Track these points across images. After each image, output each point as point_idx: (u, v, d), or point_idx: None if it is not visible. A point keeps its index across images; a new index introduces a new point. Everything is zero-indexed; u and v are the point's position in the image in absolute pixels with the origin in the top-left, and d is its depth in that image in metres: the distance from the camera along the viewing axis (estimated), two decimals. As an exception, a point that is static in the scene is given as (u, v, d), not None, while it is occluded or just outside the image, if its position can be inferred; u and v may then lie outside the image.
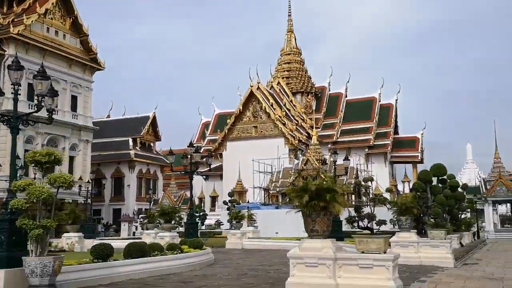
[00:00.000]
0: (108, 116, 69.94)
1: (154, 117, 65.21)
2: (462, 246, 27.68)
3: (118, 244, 17.17)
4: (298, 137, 59.75)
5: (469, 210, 45.86)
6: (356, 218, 19.82)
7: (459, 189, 32.43)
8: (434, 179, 27.61)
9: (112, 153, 59.77)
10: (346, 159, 28.39)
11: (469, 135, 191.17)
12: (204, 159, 25.95)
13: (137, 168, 61.57)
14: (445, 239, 18.69)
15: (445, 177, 28.62)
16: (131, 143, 61.17)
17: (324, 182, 10.42)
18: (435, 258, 18.03)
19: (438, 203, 24.18)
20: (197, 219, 42.83)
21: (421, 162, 64.25)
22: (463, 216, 39.82)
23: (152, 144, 66.30)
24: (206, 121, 71.29)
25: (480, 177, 52.55)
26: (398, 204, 19.00)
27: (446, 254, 18.21)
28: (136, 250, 13.76)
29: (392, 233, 19.45)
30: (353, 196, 53.83)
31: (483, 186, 51.52)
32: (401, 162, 67.08)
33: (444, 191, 26.95)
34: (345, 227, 34.46)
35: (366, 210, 26.34)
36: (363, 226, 19.64)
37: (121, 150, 60.53)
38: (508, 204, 54.11)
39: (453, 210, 28.89)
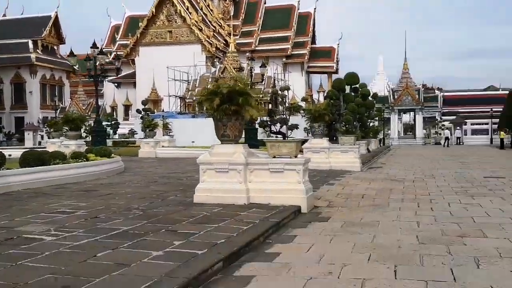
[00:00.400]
0: (4, 15, 62.52)
1: (57, 17, 59.02)
2: (369, 152, 29.19)
3: (19, 153, 15.80)
4: (216, 44, 57.87)
5: (377, 118, 48.36)
6: (269, 123, 19.69)
7: (370, 98, 33.65)
8: (347, 88, 28.17)
9: (9, 56, 54.14)
10: (263, 66, 27.84)
11: (381, 47, 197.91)
12: (115, 65, 23.90)
13: (40, 74, 56.65)
14: (354, 145, 19.31)
15: (357, 86, 29.31)
16: (31, 45, 55.42)
17: (238, 85, 9.76)
18: (345, 162, 18.67)
19: (350, 111, 24.84)
20: (108, 127, 41.27)
21: (336, 72, 65.64)
22: (371, 124, 41.91)
23: (55, 48, 60.71)
24: (116, 24, 66.19)
25: (389, 87, 54.97)
26: (311, 111, 19.06)
27: (354, 159, 18.90)
28: (34, 159, 12.58)
29: (306, 141, 19.76)
30: (270, 105, 54.46)
31: (391, 96, 54.20)
32: (317, 72, 68.17)
33: (356, 100, 27.69)
34: (262, 136, 34.95)
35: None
36: (275, 130, 19.61)
37: (20, 53, 55.01)
38: (412, 113, 57.74)
39: (363, 118, 30.06)
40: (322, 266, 5.51)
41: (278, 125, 19.05)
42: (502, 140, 40.81)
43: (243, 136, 24.08)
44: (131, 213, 8.14)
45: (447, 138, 49.79)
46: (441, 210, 9.04)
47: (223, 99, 9.30)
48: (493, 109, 49.74)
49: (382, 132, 46.87)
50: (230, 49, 55.50)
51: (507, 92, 53.13)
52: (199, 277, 4.90)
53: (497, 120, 46.68)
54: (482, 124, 52.67)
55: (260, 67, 30.49)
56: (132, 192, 10.94)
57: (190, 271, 4.89)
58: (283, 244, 6.65)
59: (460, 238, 6.68)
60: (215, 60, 56.19)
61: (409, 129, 65.79)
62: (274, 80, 54.89)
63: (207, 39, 55.53)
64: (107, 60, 36.57)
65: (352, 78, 27.51)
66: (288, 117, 31.69)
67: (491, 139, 49.55)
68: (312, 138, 19.49)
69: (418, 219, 8.14)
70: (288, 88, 41.63)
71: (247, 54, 63.12)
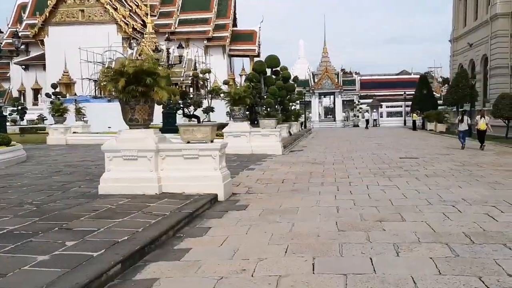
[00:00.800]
0: None
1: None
2: (290, 135, 29.28)
3: None
4: (132, 24, 55.23)
5: (298, 101, 48.91)
6: (181, 105, 18.81)
7: (291, 81, 33.70)
8: (268, 71, 27.89)
9: None
10: (180, 47, 26.62)
11: (303, 32, 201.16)
12: (15, 45, 21.54)
13: None
14: (275, 128, 19.04)
15: (278, 69, 29.12)
16: None
17: (145, 64, 8.89)
18: (266, 146, 18.35)
19: (271, 94, 24.57)
20: (14, 113, 38.08)
21: (258, 56, 65.42)
22: (293, 107, 42.25)
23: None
24: (23, 2, 61.17)
25: (309, 70, 55.82)
26: (231, 94, 18.48)
27: (275, 142, 18.65)
28: None
29: (227, 125, 19.21)
30: (191, 88, 53.21)
31: (312, 79, 55.07)
32: (239, 55, 67.61)
33: (277, 83, 27.50)
34: (182, 121, 33.92)
35: (205, 103, 25.75)
36: (188, 113, 18.78)
37: None
38: (332, 96, 59.12)
39: (285, 101, 30.01)
40: (235, 262, 4.98)
41: (192, 108, 18.22)
42: (414, 121, 42.90)
43: (161, 120, 23.15)
44: (22, 209, 7.11)
45: (367, 121, 51.75)
46: (360, 193, 8.88)
47: (129, 80, 8.45)
48: (406, 93, 52.19)
49: (304, 115, 47.51)
50: (148, 30, 53.39)
51: (418, 76, 56.02)
52: (89, 285, 4.16)
53: (410, 103, 49.04)
54: (396, 106, 55.22)
55: (178, 47, 29.28)
56: (29, 184, 9.76)
57: (77, 280, 4.13)
58: (195, 238, 6.05)
59: (379, 223, 6.45)
60: (132, 42, 53.79)
61: (329, 112, 67.52)
62: (195, 63, 53.66)
63: (122, 19, 52.82)
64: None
65: (273, 60, 27.26)
66: (210, 100, 31.00)
67: (405, 121, 52.04)
68: (233, 122, 18.96)
69: (338, 204, 7.88)
70: (209, 71, 40.61)
71: (166, 35, 61.35)
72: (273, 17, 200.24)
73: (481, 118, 20.44)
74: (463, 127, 20.67)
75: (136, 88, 8.33)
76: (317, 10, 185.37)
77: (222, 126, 19.65)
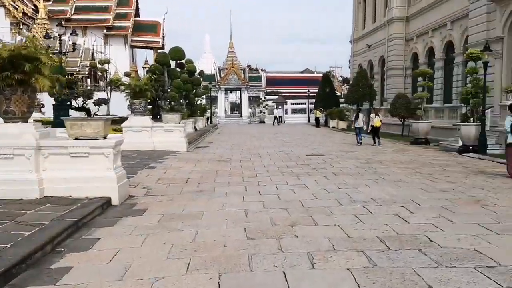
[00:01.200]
0: None
1: None
2: (196, 130, 28.39)
3: None
4: (23, 9, 50.74)
5: (204, 96, 48.05)
6: (68, 96, 17.16)
7: (196, 75, 32.78)
8: (173, 64, 26.75)
9: None
10: (74, 33, 24.47)
11: (209, 27, 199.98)
12: None
13: None
14: (179, 123, 18.08)
15: (183, 62, 28.07)
16: None
17: (25, 48, 7.60)
18: (169, 142, 17.34)
19: (175, 87, 23.49)
20: None
21: (162, 48, 63.27)
22: (199, 102, 41.34)
23: None
24: None
25: (215, 65, 55.11)
26: (131, 86, 17.22)
27: (180, 138, 17.71)
28: None
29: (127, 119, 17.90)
30: (88, 79, 50.00)
31: (218, 74, 54.37)
32: (142, 47, 64.95)
33: (181, 76, 26.45)
34: (79, 114, 31.56)
35: (103, 95, 23.97)
36: (76, 106, 17.18)
37: None
38: (238, 92, 58.99)
39: (190, 95, 29.03)
40: (125, 285, 4.13)
41: (81, 99, 16.65)
42: (317, 119, 44.11)
43: (52, 114, 21.06)
44: None
45: (276, 117, 52.26)
46: (269, 194, 8.36)
47: (4, 66, 7.16)
48: (310, 90, 53.63)
49: (210, 110, 46.76)
50: (40, 15, 49.45)
51: (321, 75, 57.85)
52: None
53: (313, 100, 50.42)
54: (301, 104, 56.58)
55: (71, 34, 26.76)
56: None
57: None
58: (79, 253, 5.08)
59: (291, 228, 5.93)
60: (22, 27, 49.31)
61: (236, 107, 67.56)
62: (93, 52, 50.59)
63: (11, 2, 48.22)
64: None
65: (177, 52, 26.12)
66: (109, 93, 29.03)
67: (308, 118, 53.48)
68: (133, 116, 17.69)
69: (246, 207, 7.27)
70: (108, 62, 38.44)
71: (62, 22, 57.37)
72: (180, 10, 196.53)
73: (375, 116, 21.27)
74: (359, 124, 21.55)
75: (12, 76, 7.06)
76: (223, 5, 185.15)
77: (122, 120, 18.29)
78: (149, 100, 20.26)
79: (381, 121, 21.16)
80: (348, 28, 48.01)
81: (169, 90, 23.33)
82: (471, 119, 17.18)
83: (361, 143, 20.59)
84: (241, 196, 8.20)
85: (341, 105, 44.87)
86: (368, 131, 21.45)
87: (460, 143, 17.01)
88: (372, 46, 39.88)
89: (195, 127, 28.76)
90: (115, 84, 19.92)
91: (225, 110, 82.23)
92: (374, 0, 40.23)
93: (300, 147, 19.02)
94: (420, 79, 28.68)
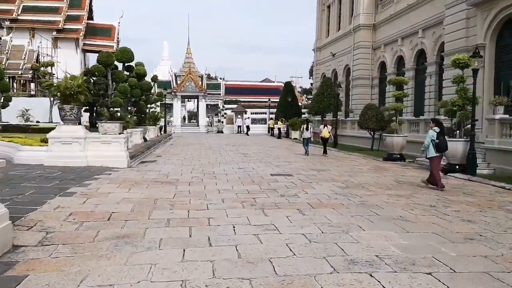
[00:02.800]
0: None
1: None
2: (145, 141, 25.36)
3: None
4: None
5: (159, 104, 44.86)
6: None
7: (149, 80, 29.76)
8: (120, 66, 23.70)
9: None
10: (0, 27, 21.05)
11: (168, 33, 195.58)
12: None
13: None
14: (120, 133, 15.12)
15: (132, 64, 25.02)
16: None
17: None
18: (107, 157, 14.39)
19: (120, 92, 20.44)
20: None
21: (116, 53, 59.91)
22: (152, 109, 38.25)
23: None
24: None
25: (171, 71, 51.84)
26: (60, 89, 14.17)
27: (119, 152, 14.75)
28: None
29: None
30: (32, 83, 45.97)
31: (174, 81, 51.17)
32: (96, 51, 60.83)
33: (129, 80, 23.41)
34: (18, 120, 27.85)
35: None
36: None
37: None
38: (195, 100, 55.99)
39: (140, 102, 25.97)
40: None
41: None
42: (279, 129, 41.72)
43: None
44: None
45: (239, 126, 49.82)
46: (223, 245, 5.67)
47: None
48: (271, 100, 51.39)
49: (164, 119, 43.57)
50: (-30, 13, 45.32)
51: (281, 84, 55.77)
52: None
53: (274, 110, 48.16)
54: (261, 113, 54.11)
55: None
56: None
57: None
58: None
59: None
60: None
61: (194, 116, 64.53)
62: (38, 55, 46.76)
63: None
64: None
65: (125, 53, 23.07)
66: (52, 99, 25.59)
67: (269, 128, 51.08)
68: (62, 125, 14.63)
69: (185, 275, 4.56)
70: (52, 64, 34.99)
71: (6, 22, 53.55)
72: (136, 16, 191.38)
73: (324, 127, 22.73)
74: (307, 135, 22.18)
75: None
76: (182, 12, 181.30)
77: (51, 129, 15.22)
78: (85, 107, 17.22)
79: (329, 132, 22.54)
80: (309, 39, 46.17)
81: (112, 95, 20.27)
82: (457, 133, 15.15)
83: (307, 154, 21.08)
84: (181, 249, 5.46)
85: (303, 116, 42.81)
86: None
87: (445, 162, 14.89)
88: (337, 55, 38.07)
89: (144, 138, 25.71)
90: (45, 87, 16.73)
91: (184, 118, 78.96)
92: (339, 7, 38.49)
93: (262, 164, 16.43)
94: (390, 88, 26.92)
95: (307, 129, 22.25)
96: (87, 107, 16.74)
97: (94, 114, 16.91)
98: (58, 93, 14.31)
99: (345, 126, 31.81)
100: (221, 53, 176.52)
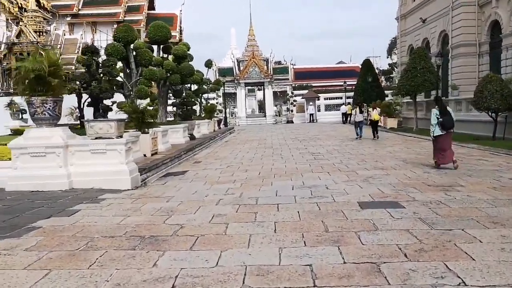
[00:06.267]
0: None
1: None
2: (192, 139, 20.34)
3: None
4: (20, 3, 44.60)
5: (221, 94, 40.06)
6: None
7: (195, 65, 24.67)
8: (156, 48, 18.76)
9: None
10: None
11: (233, 20, 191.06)
12: None
13: None
14: (119, 136, 9.89)
15: (170, 44, 20.02)
16: None
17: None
18: (100, 173, 9.39)
19: (146, 78, 15.39)
20: None
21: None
22: (210, 101, 33.58)
23: None
24: None
25: (233, 57, 46.51)
26: (26, 70, 9.21)
27: (119, 165, 9.56)
28: None
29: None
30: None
31: (237, 67, 45.77)
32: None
33: (165, 63, 18.40)
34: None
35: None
36: None
37: None
38: (261, 88, 50.43)
39: (181, 91, 20.90)
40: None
41: None
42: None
43: None
44: None
45: (311, 114, 44.14)
46: None
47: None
48: (347, 82, 44.72)
49: (224, 110, 38.58)
50: (30, 6, 42.97)
51: (357, 65, 48.76)
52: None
53: (351, 94, 41.56)
54: (336, 98, 47.45)
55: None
56: None
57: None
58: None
59: None
60: (10, 21, 43.05)
61: (261, 106, 59.33)
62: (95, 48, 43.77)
63: (9, -5, 42.34)
64: None
65: (158, 29, 18.08)
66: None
67: (344, 115, 44.39)
68: (32, 128, 9.74)
69: None
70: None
71: (67, 18, 52.09)
72: (203, 8, 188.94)
73: (373, 109, 22.24)
74: (359, 118, 21.89)
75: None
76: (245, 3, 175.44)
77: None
78: (87, 99, 12.25)
79: (379, 114, 22.38)
80: (381, 20, 38.57)
81: (138, 82, 15.27)
82: None
83: (361, 137, 21.20)
84: None
85: (386, 98, 35.95)
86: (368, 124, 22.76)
87: None
88: (428, 20, 30.73)
89: (191, 135, 20.65)
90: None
91: (252, 110, 73.38)
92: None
93: (340, 173, 10.50)
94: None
95: (361, 112, 22.18)
96: (90, 100, 11.83)
97: (100, 109, 11.94)
98: (25, 80, 9.35)
99: (445, 108, 24.66)
100: (288, 43, 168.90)
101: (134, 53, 15.85)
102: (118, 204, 7.77)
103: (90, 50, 11.73)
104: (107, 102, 16.49)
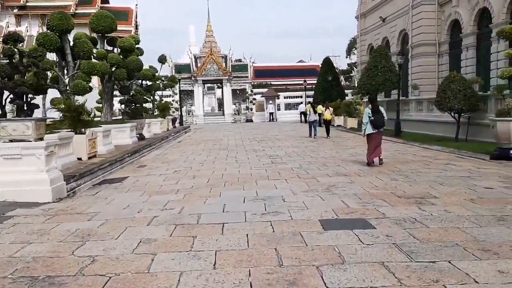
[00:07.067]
0: None
1: None
2: (141, 139, 18.77)
3: None
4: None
5: (177, 91, 38.37)
6: None
7: (156, 64, 23.07)
8: (101, 41, 17.05)
9: None
10: None
11: (196, 16, 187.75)
12: None
13: None
14: (38, 139, 8.33)
15: (116, 36, 18.36)
16: None
17: None
18: (14, 183, 7.85)
19: (84, 72, 13.75)
20: None
21: (135, 38, 53.86)
22: (167, 99, 31.94)
23: None
24: None
25: (191, 53, 44.72)
26: None
27: (38, 173, 8.03)
28: None
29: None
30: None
31: (194, 64, 44.10)
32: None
33: (109, 56, 16.76)
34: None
35: None
36: None
37: None
38: (219, 85, 48.93)
39: (128, 87, 19.28)
40: None
41: None
42: (319, 115, 34.12)
43: None
44: None
45: (271, 113, 43.16)
46: None
47: None
48: (307, 81, 43.89)
49: (180, 108, 36.95)
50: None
51: (318, 64, 48.09)
52: None
53: (311, 93, 40.76)
54: (296, 97, 46.59)
55: None
56: None
57: None
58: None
59: None
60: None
61: (220, 104, 57.86)
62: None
63: None
64: None
65: (101, 19, 16.44)
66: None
67: (302, 114, 43.56)
68: None
69: None
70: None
71: (15, 10, 49.19)
72: (165, 3, 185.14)
73: (326, 109, 22.88)
74: (313, 117, 21.95)
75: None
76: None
77: None
78: (11, 95, 10.58)
79: (331, 114, 22.91)
80: (342, 21, 37.83)
81: (75, 74, 13.61)
82: None
83: (315, 135, 21.41)
84: None
85: (346, 98, 35.33)
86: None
87: None
88: (388, 19, 30.25)
89: (140, 135, 19.07)
90: None
91: (212, 108, 71.74)
92: (389, -42, 30.51)
93: (302, 181, 9.37)
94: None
95: (315, 112, 22.43)
96: (12, 96, 10.14)
97: (25, 106, 10.24)
98: None
99: (406, 108, 24.12)
100: (248, 40, 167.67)
101: (72, 43, 14.20)
102: (26, 224, 6.28)
103: (12, 38, 10.12)
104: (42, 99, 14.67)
